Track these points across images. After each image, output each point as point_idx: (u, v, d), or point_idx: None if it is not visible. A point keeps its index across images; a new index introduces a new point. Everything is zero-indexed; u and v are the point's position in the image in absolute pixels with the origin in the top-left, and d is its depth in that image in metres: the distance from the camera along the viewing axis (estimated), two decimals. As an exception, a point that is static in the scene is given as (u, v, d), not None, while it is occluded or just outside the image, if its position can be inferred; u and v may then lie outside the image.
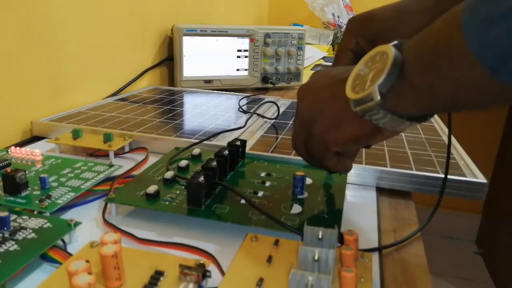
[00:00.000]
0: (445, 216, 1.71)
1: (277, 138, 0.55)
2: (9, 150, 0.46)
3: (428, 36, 0.25)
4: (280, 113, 0.67)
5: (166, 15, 0.93)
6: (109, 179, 0.41)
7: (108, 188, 0.39)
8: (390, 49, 0.27)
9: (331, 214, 0.35)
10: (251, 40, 0.93)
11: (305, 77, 1.05)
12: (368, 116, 0.28)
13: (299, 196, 0.38)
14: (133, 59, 0.84)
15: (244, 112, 0.68)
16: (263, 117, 0.65)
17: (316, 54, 1.38)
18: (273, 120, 0.64)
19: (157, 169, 0.43)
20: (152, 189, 0.36)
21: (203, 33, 0.88)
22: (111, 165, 0.43)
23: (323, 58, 1.40)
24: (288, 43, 0.96)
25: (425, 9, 0.36)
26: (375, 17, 0.37)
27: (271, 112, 0.69)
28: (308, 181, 0.41)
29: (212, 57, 0.91)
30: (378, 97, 0.26)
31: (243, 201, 0.36)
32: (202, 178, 0.35)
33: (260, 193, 0.38)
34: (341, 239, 0.29)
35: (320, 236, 0.28)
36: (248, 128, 0.59)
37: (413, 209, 0.41)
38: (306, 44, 1.05)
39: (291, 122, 0.63)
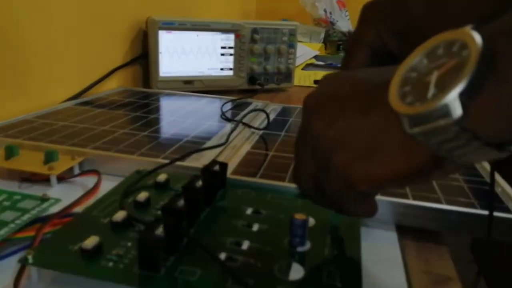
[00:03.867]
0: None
1: (266, 155, 0.45)
2: None
3: None
4: (270, 122, 0.57)
5: (140, 6, 0.82)
6: (39, 220, 0.30)
7: (34, 234, 0.28)
8: (471, 36, 0.17)
9: (346, 280, 0.25)
10: (237, 36, 0.82)
11: (297, 78, 0.95)
12: (436, 143, 0.18)
13: (298, 249, 0.27)
14: (101, 56, 0.72)
15: (228, 119, 0.58)
16: (251, 127, 0.54)
17: (307, 52, 1.28)
18: (262, 131, 0.53)
19: (107, 205, 0.32)
20: (90, 242, 0.25)
21: (182, 27, 0.77)
22: (44, 199, 0.32)
23: (315, 57, 1.30)
24: (278, 40, 0.86)
25: None
26: (407, 1, 0.27)
27: (259, 120, 0.59)
28: (310, 221, 0.30)
29: (192, 54, 0.80)
30: (459, 112, 0.17)
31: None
32: (161, 230, 0.24)
33: (245, 244, 0.28)
34: None
35: None
36: (231, 141, 0.48)
37: (449, 259, 0.31)
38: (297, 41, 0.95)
39: (283, 133, 0.53)
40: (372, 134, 0.21)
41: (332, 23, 1.44)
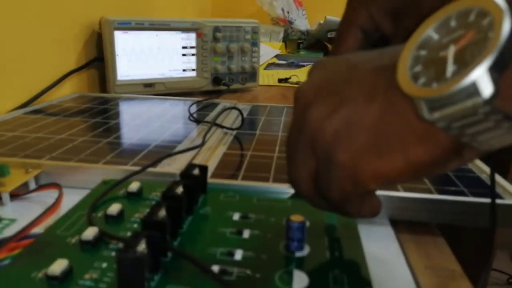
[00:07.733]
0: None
1: (244, 155, 0.42)
2: None
3: None
4: (244, 121, 0.54)
5: (92, 6, 0.76)
6: (-9, 246, 0.25)
7: (-14, 264, 0.23)
8: (493, 2, 0.15)
9: (355, 284, 0.22)
10: (199, 35, 0.79)
11: (261, 77, 0.93)
12: (458, 127, 0.16)
13: (297, 254, 0.25)
14: (51, 60, 0.66)
15: (197, 121, 0.54)
16: (223, 127, 0.51)
17: (268, 52, 1.26)
18: (235, 131, 0.51)
19: (73, 222, 0.28)
20: (57, 267, 0.21)
21: (139, 26, 0.73)
22: (-4, 221, 0.27)
23: (276, 56, 1.29)
24: (241, 38, 0.83)
25: None
26: None
27: (230, 120, 0.56)
28: (304, 223, 0.28)
29: (152, 56, 0.76)
30: (489, 90, 0.15)
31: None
32: (144, 247, 0.21)
33: (238, 254, 0.25)
34: None
35: None
36: (204, 144, 0.45)
37: (449, 252, 0.29)
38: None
39: (258, 132, 0.50)
40: (379, 124, 0.19)
41: (291, 22, 1.44)
